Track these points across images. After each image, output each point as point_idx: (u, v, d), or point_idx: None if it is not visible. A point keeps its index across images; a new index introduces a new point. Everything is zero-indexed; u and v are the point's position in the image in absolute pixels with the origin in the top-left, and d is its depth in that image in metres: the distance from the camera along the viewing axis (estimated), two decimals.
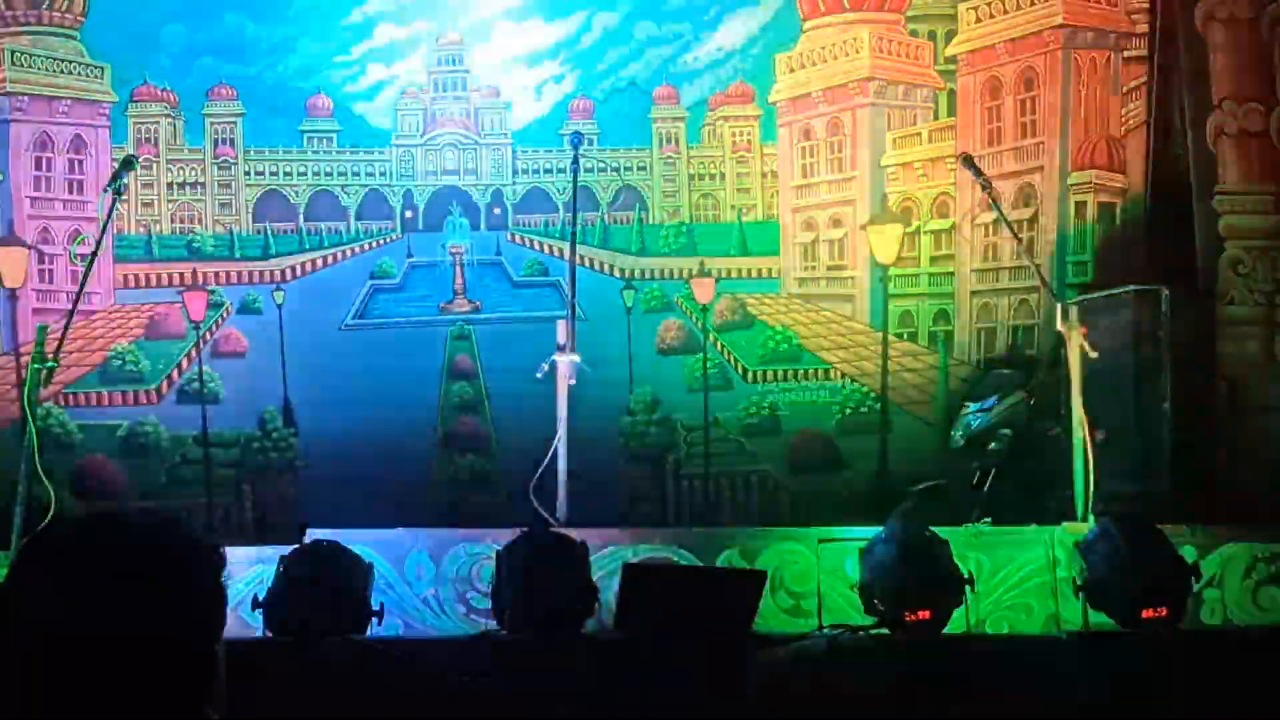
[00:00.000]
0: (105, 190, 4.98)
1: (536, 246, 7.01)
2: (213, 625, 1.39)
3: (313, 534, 4.08)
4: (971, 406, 5.74)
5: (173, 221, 6.87)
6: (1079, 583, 3.91)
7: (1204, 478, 5.15)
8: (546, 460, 4.58)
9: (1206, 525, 4.29)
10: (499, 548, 3.96)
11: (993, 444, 5.40)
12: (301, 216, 6.94)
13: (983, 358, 6.60)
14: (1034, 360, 6.24)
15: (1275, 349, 5.65)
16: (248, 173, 6.92)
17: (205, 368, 6.68)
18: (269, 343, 6.69)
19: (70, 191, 6.78)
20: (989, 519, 4.76)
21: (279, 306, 6.76)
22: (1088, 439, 4.47)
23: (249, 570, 3.92)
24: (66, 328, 4.96)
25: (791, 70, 6.92)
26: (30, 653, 1.31)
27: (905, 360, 6.73)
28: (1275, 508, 5.26)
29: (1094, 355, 4.58)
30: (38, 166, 6.73)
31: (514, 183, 7.02)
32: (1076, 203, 6.46)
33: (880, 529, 4.08)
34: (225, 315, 6.77)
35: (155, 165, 6.85)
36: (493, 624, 3.85)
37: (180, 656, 1.34)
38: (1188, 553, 3.99)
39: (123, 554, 1.35)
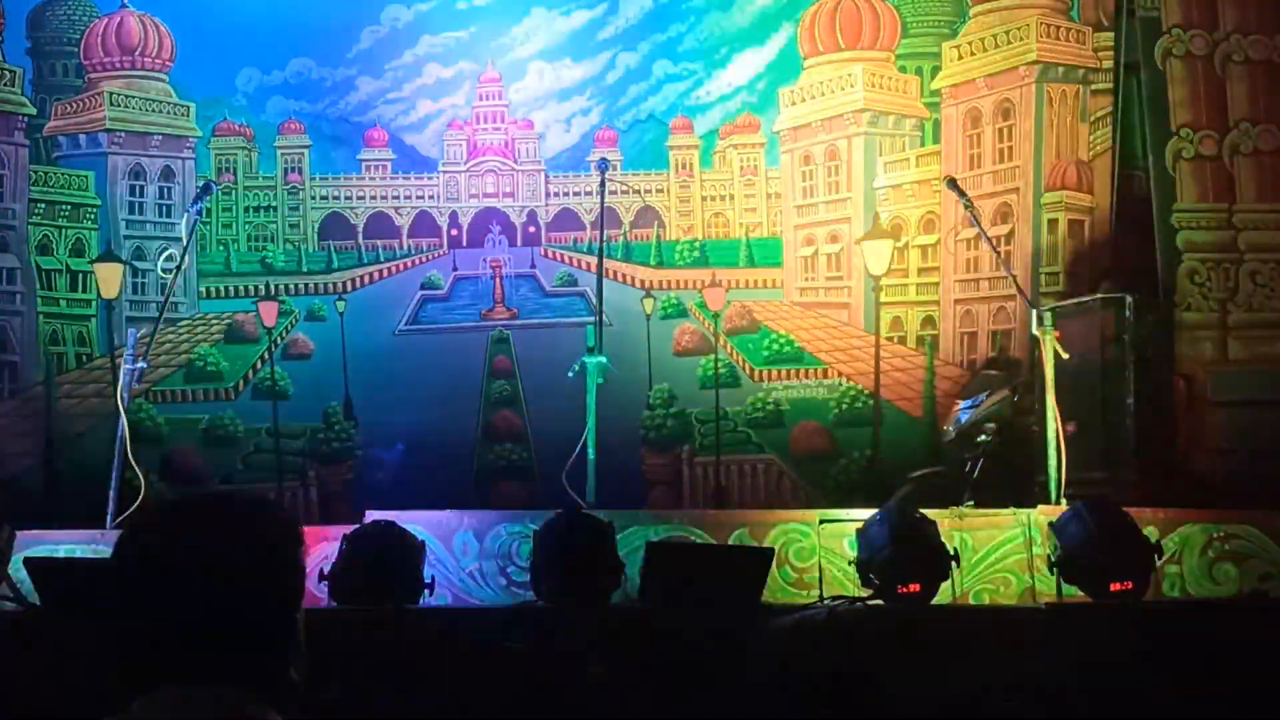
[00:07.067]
0: (187, 211, 5.01)
1: (567, 260, 7.01)
2: (297, 594, 1.38)
3: (371, 515, 4.09)
4: (962, 404, 5.69)
5: (249, 240, 6.93)
6: (1053, 559, 3.86)
7: (1164, 465, 5.09)
8: (578, 450, 4.58)
9: (1167, 508, 4.24)
10: (536, 527, 3.97)
11: (980, 437, 5.34)
12: (360, 235, 6.97)
13: (968, 359, 6.56)
14: (1019, 362, 6.18)
15: (1227, 350, 5.59)
16: (314, 197, 6.96)
17: (276, 368, 6.72)
18: (332, 346, 6.73)
19: (160, 214, 6.84)
20: (973, 502, 4.72)
21: (341, 314, 6.79)
22: (1060, 431, 4.43)
23: (316, 547, 3.93)
24: (155, 333, 5.00)
25: (793, 103, 6.89)
26: (145, 614, 1.31)
27: (895, 361, 6.69)
28: (1228, 492, 5.21)
29: (1065, 356, 4.54)
30: (132, 193, 6.80)
31: (546, 204, 7.03)
32: (1049, 220, 6.39)
33: (875, 510, 4.05)
34: (294, 322, 6.81)
35: (234, 191, 6.91)
36: (530, 595, 3.86)
37: (271, 621, 1.33)
38: (1150, 533, 3.95)
39: (225, 528, 1.35)
